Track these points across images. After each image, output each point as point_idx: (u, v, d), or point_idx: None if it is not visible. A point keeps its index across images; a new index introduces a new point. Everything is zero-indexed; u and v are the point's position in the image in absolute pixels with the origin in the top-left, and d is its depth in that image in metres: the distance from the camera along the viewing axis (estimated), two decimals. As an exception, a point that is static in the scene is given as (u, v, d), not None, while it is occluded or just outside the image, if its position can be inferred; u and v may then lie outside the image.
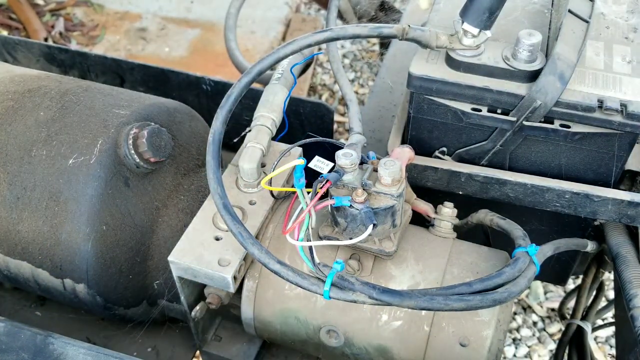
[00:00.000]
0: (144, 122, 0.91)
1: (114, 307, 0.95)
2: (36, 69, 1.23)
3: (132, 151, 0.87)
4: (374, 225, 0.73)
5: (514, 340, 1.91)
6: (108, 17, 3.05)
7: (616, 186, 0.90)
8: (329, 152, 0.79)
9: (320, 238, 0.78)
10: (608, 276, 1.22)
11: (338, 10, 1.12)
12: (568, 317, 1.44)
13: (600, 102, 0.81)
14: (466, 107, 0.85)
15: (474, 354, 0.79)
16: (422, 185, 0.94)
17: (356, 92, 2.66)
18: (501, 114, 0.84)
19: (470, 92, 0.83)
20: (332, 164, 0.79)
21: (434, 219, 0.88)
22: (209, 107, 1.29)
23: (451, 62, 0.84)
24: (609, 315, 1.70)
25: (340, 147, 0.75)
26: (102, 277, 0.90)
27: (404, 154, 0.77)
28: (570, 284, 1.90)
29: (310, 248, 0.71)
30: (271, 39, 2.90)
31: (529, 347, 1.89)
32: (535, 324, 1.95)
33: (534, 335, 1.92)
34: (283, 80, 0.93)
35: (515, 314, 1.96)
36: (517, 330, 1.93)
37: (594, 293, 1.24)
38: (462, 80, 0.83)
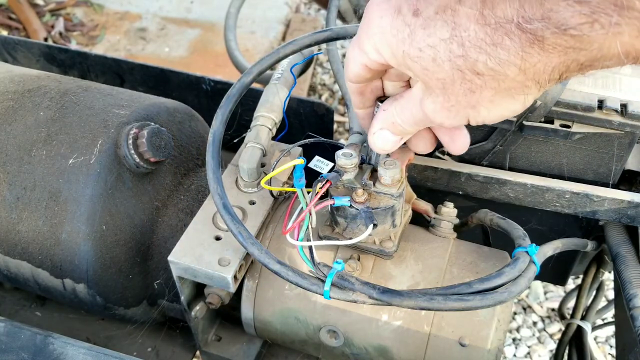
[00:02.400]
0: (144, 122, 0.91)
1: (114, 307, 0.95)
2: (36, 69, 1.23)
3: (132, 151, 0.87)
4: (374, 225, 0.73)
5: (514, 340, 1.91)
6: (108, 17, 3.05)
7: (616, 186, 0.90)
8: (329, 152, 0.79)
9: (320, 238, 0.78)
10: (608, 276, 1.22)
11: (338, 10, 1.12)
12: (568, 317, 1.44)
13: (600, 102, 0.81)
14: (466, 107, 0.85)
15: (473, 354, 0.79)
16: (422, 185, 0.94)
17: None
18: (501, 113, 0.84)
19: (470, 92, 0.83)
20: (332, 164, 0.79)
21: (434, 218, 0.88)
22: (209, 107, 1.29)
23: (451, 62, 0.84)
24: (609, 315, 1.70)
25: (340, 147, 0.75)
26: (102, 277, 0.90)
27: (404, 154, 0.76)
28: (570, 284, 1.90)
29: (310, 248, 0.71)
30: (271, 39, 2.91)
31: (529, 347, 1.89)
32: (535, 324, 1.95)
33: (534, 335, 1.92)
34: (283, 80, 0.93)
35: (515, 314, 1.96)
36: (517, 330, 1.93)
37: (594, 293, 1.24)
38: (462, 80, 0.83)
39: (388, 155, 0.75)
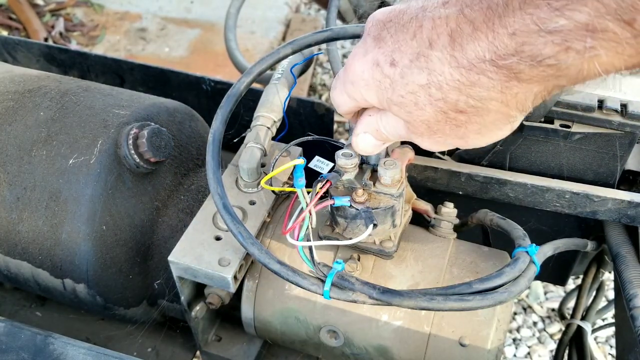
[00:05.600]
0: (144, 122, 0.91)
1: (114, 307, 0.95)
2: (36, 69, 1.23)
3: (132, 151, 0.87)
4: (374, 225, 0.73)
5: (514, 340, 1.91)
6: (108, 17, 3.05)
7: (616, 186, 0.90)
8: (329, 152, 0.79)
9: (320, 238, 0.78)
10: (608, 276, 1.22)
11: (338, 10, 1.12)
12: (568, 317, 1.44)
13: (600, 102, 0.81)
14: (466, 107, 0.85)
15: (473, 354, 0.79)
16: (422, 185, 0.94)
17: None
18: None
19: (470, 92, 0.83)
20: (332, 164, 0.79)
21: (434, 219, 0.88)
22: (209, 107, 1.29)
23: (451, 62, 0.84)
24: (609, 315, 1.70)
25: (340, 147, 0.75)
26: (102, 277, 0.90)
27: (404, 154, 0.76)
28: (570, 284, 1.90)
29: (310, 248, 0.71)
30: (271, 39, 2.91)
31: (529, 347, 1.89)
32: (535, 324, 1.95)
33: (534, 335, 1.92)
34: (283, 80, 0.93)
35: (515, 314, 1.96)
36: (517, 330, 1.93)
37: (594, 293, 1.24)
38: (462, 80, 0.83)
39: (388, 155, 0.75)
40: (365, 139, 0.65)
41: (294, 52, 0.81)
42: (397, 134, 0.60)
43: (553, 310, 1.96)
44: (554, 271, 1.17)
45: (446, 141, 0.55)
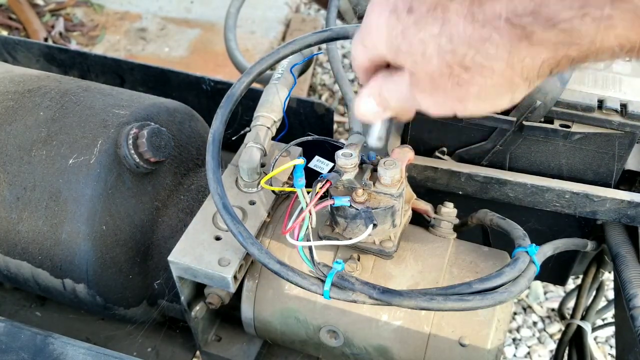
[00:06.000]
0: (144, 122, 0.91)
1: (114, 307, 0.95)
2: (36, 69, 1.23)
3: (132, 151, 0.87)
4: (374, 225, 0.73)
5: (514, 340, 1.91)
6: (108, 17, 3.05)
7: (616, 186, 0.90)
8: (329, 152, 0.79)
9: (320, 238, 0.78)
10: (608, 276, 1.22)
11: (338, 10, 1.11)
12: (568, 317, 1.44)
13: (600, 102, 0.81)
14: (466, 107, 0.85)
15: (473, 354, 0.79)
16: (422, 185, 0.94)
17: (356, 92, 2.65)
18: (501, 113, 0.84)
19: (470, 92, 0.83)
20: (332, 164, 0.79)
21: (434, 219, 0.88)
22: (209, 107, 1.29)
23: (451, 62, 0.84)
24: (609, 315, 1.70)
25: (340, 147, 0.75)
26: (102, 277, 0.90)
27: (404, 154, 0.76)
28: (570, 284, 1.90)
29: (310, 248, 0.71)
30: (271, 39, 2.90)
31: (529, 347, 1.89)
32: (535, 324, 1.95)
33: (534, 335, 1.92)
34: (283, 80, 0.93)
35: (515, 314, 1.96)
36: (517, 330, 1.93)
37: (594, 293, 1.24)
38: (462, 80, 0.83)
39: (388, 154, 0.76)
40: (367, 103, 0.64)
41: (294, 52, 0.81)
42: (399, 96, 0.60)
43: (553, 310, 1.96)
44: (553, 271, 1.17)
45: (446, 102, 0.55)
